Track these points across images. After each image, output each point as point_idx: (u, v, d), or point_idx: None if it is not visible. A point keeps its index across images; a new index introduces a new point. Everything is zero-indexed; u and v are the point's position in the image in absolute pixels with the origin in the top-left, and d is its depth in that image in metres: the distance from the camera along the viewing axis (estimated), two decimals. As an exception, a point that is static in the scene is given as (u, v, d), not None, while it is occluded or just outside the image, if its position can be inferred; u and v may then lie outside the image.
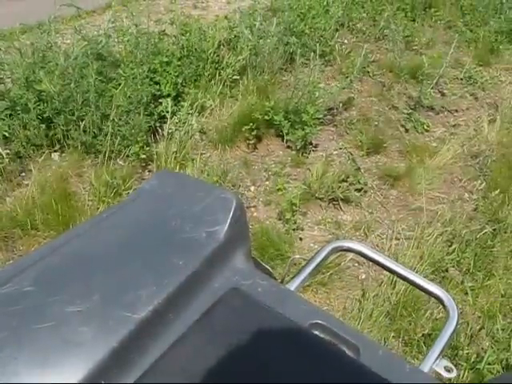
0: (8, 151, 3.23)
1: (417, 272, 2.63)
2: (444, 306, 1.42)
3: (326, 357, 1.07)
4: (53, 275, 1.18)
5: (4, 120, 3.17)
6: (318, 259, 1.45)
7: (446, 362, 1.29)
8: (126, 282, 1.16)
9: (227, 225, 1.26)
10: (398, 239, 2.99)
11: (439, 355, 1.30)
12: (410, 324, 2.52)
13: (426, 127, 3.87)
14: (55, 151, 3.33)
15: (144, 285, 1.15)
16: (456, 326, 1.37)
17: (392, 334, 2.49)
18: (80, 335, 1.07)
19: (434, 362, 1.28)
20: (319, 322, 1.19)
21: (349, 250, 1.53)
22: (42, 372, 1.02)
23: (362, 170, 3.44)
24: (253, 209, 3.18)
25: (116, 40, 3.92)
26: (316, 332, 1.17)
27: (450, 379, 1.50)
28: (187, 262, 1.20)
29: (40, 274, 1.18)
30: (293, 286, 1.37)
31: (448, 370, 1.28)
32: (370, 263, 2.82)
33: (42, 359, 1.03)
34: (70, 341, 1.06)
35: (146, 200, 1.34)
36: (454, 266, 2.83)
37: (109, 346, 1.06)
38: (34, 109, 3.14)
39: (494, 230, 3.03)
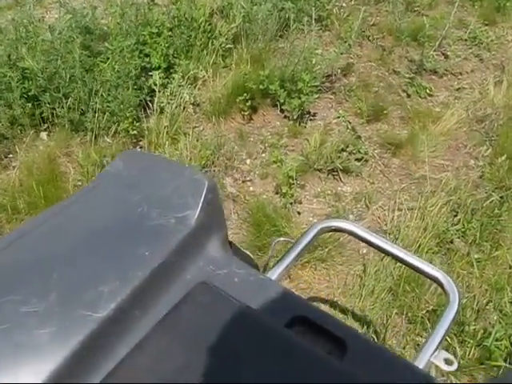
0: (-6, 132, 3.12)
1: (420, 246, 2.51)
2: (444, 290, 1.30)
3: (302, 362, 0.95)
4: (6, 272, 1.07)
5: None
6: (304, 242, 1.33)
7: (445, 354, 1.18)
8: (86, 278, 1.06)
9: (198, 209, 1.15)
10: (401, 210, 2.86)
11: (438, 346, 1.18)
12: (414, 300, 2.40)
13: (428, 92, 3.70)
14: (44, 130, 3.21)
15: (106, 280, 1.04)
16: (457, 311, 1.25)
17: (395, 311, 2.38)
18: (36, 338, 0.97)
19: (432, 354, 1.17)
20: (302, 314, 1.07)
21: (338, 229, 1.41)
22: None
23: (363, 139, 3.30)
24: (249, 183, 3.06)
25: (103, 12, 3.77)
26: (298, 327, 1.06)
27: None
28: (154, 252, 1.09)
29: (-7, 271, 1.07)
30: (275, 273, 1.25)
31: (448, 363, 1.16)
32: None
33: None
34: (24, 344, 0.96)
35: (109, 185, 1.23)
36: (459, 237, 2.70)
37: (68, 348, 0.96)
38: (17, 87, 3.02)
39: (501, 197, 2.89)
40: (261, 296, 1.08)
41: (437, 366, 1.17)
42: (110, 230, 1.13)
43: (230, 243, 1.27)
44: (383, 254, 2.52)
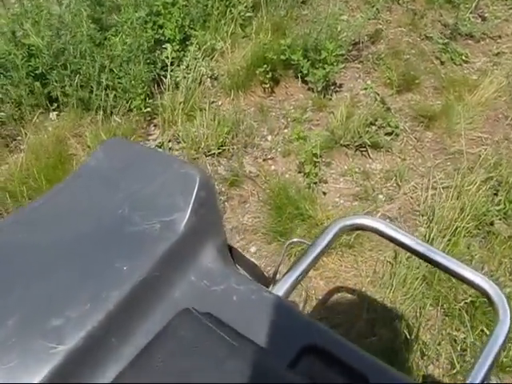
0: (2, 114, 2.96)
1: (456, 229, 2.29)
2: (491, 303, 1.07)
3: None
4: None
5: (-5, 81, 2.90)
6: (320, 246, 1.12)
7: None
8: (51, 299, 0.87)
9: (189, 211, 0.95)
10: (435, 189, 2.63)
11: (488, 372, 0.96)
12: (450, 290, 2.19)
13: (464, 58, 3.41)
14: (53, 110, 3.04)
15: (75, 302, 0.86)
16: (508, 331, 1.02)
17: (429, 303, 2.17)
18: (-12, 377, 0.79)
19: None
20: (313, 343, 0.88)
21: (362, 228, 1.20)
22: None
23: (393, 111, 3.05)
24: (270, 161, 2.85)
25: (115, -19, 3.55)
26: (308, 358, 0.87)
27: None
28: (134, 266, 0.90)
29: None
30: (283, 287, 1.04)
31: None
32: (403, 217, 2.51)
33: None
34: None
35: (87, 181, 1.04)
36: (500, 219, 2.46)
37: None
38: (23, 66, 2.84)
39: (548, 173, 2.64)
40: (263, 319, 0.89)
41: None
42: (83, 238, 0.94)
43: (231, 249, 1.07)
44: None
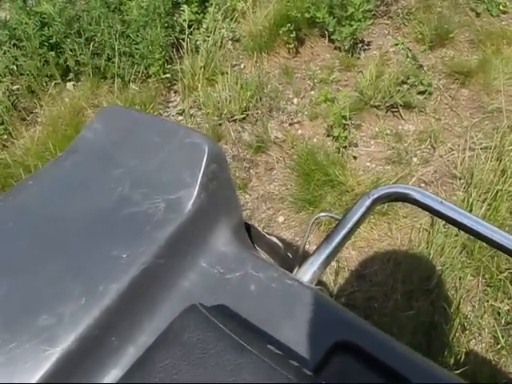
0: (18, 86, 2.86)
1: (497, 193, 2.13)
2: None
3: None
4: None
5: (9, 52, 2.80)
6: (352, 221, 0.98)
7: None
8: (41, 295, 0.77)
9: (197, 187, 0.83)
10: (473, 150, 2.46)
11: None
12: (492, 259, 2.04)
13: (502, 8, 3.19)
14: (69, 80, 2.93)
15: (69, 297, 0.75)
16: None
17: (470, 273, 2.04)
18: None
19: None
20: (346, 339, 0.75)
21: (398, 198, 1.06)
22: None
23: (425, 68, 2.87)
24: (297, 125, 2.71)
25: None
26: (341, 357, 0.74)
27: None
28: (135, 253, 0.79)
29: None
30: (310, 270, 0.92)
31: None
32: (439, 180, 2.36)
33: None
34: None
35: (81, 157, 0.92)
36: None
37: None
38: (35, 35, 2.73)
39: None
40: (287, 313, 0.77)
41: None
42: (78, 222, 0.82)
43: (248, 228, 0.94)
44: (454, 203, 2.17)
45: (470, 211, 2.11)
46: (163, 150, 0.87)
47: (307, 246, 1.00)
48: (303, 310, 0.78)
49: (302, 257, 0.95)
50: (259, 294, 0.80)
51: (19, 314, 0.74)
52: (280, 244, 0.97)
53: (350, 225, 0.98)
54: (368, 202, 1.01)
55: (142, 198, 0.83)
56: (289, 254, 0.99)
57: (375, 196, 1.02)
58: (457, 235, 2.10)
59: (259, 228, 0.96)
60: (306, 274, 0.90)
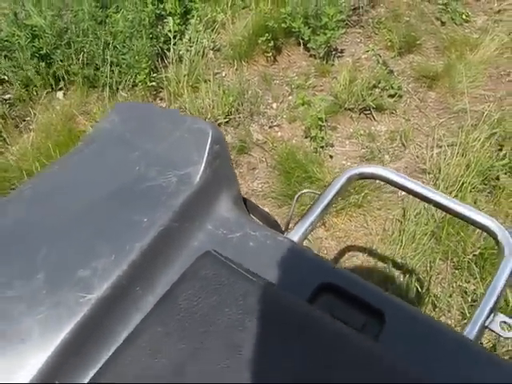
0: (10, 96, 3.00)
1: (463, 184, 2.33)
2: (496, 242, 1.11)
3: (329, 346, 0.80)
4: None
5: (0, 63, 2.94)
6: (330, 194, 1.16)
7: (502, 317, 1.01)
8: (77, 253, 0.92)
9: (203, 164, 1.00)
10: (440, 147, 2.66)
11: (493, 308, 1.01)
12: (459, 244, 2.23)
13: (465, 17, 3.42)
14: (59, 89, 3.08)
15: (100, 254, 0.91)
16: None
17: (439, 257, 2.22)
18: (22, 328, 0.84)
19: (486, 319, 1.00)
20: (330, 281, 0.92)
21: (369, 176, 1.24)
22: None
23: (395, 73, 3.07)
24: (276, 128, 2.88)
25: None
26: (326, 297, 0.91)
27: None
28: (154, 218, 0.95)
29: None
30: (297, 233, 1.09)
31: (507, 328, 1.00)
32: (410, 176, 2.53)
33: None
34: (8, 336, 0.84)
35: (100, 144, 1.08)
36: (505, 173, 2.49)
37: (60, 338, 0.83)
38: (27, 47, 2.88)
39: (551, 125, 2.67)
40: (280, 262, 0.94)
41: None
42: (103, 196, 0.98)
43: (245, 200, 1.12)
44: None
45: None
46: (173, 135, 1.04)
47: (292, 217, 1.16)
48: (293, 260, 0.95)
49: (289, 224, 1.12)
50: (257, 249, 0.96)
51: (60, 269, 0.90)
52: (270, 214, 1.15)
53: (329, 197, 1.16)
54: (343, 179, 1.19)
55: (157, 174, 1.00)
56: (278, 222, 1.16)
57: (350, 173, 1.20)
58: (426, 224, 2.29)
59: (253, 201, 1.13)
60: (294, 236, 1.08)
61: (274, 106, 3.01)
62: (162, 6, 3.24)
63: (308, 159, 2.64)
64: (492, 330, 0.99)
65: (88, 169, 1.04)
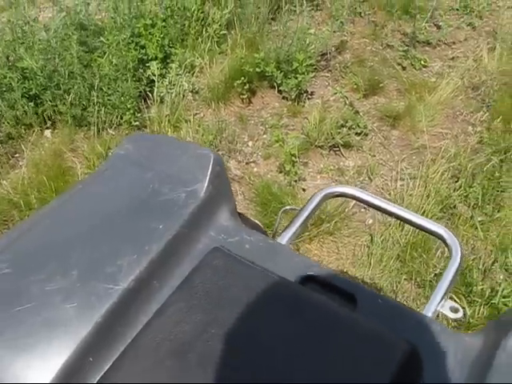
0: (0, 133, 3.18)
1: (424, 212, 2.57)
2: (446, 245, 1.35)
3: (321, 315, 1.01)
4: (29, 255, 1.13)
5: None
6: (310, 208, 1.39)
7: (451, 303, 1.23)
8: (105, 254, 1.11)
9: (206, 182, 1.20)
10: (403, 179, 2.91)
11: (444, 296, 1.24)
12: (422, 265, 2.46)
13: (423, 63, 3.73)
14: (47, 128, 3.26)
15: (124, 254, 1.10)
16: (460, 264, 1.30)
17: (404, 277, 2.44)
18: (62, 313, 1.03)
19: (438, 304, 1.22)
20: (312, 274, 1.13)
21: (342, 195, 1.47)
22: (24, 354, 0.98)
23: (361, 113, 3.34)
24: (252, 164, 3.11)
25: (96, 8, 3.81)
26: (309, 285, 1.12)
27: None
28: (167, 225, 1.15)
29: (16, 254, 1.13)
30: (284, 238, 1.31)
31: (454, 311, 1.22)
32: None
33: (23, 342, 0.99)
34: (52, 320, 1.02)
35: (119, 166, 1.29)
36: (461, 202, 2.75)
37: (93, 321, 1.01)
38: (18, 88, 3.07)
39: (501, 160, 2.94)
40: (272, 259, 1.14)
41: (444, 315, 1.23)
42: (125, 208, 1.18)
43: (240, 214, 1.33)
44: (388, 224, 2.59)
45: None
46: (181, 159, 1.25)
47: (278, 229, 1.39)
48: (282, 258, 1.16)
49: (275, 234, 1.34)
50: (252, 250, 1.17)
51: (91, 267, 1.09)
52: (260, 224, 1.36)
53: (307, 212, 1.39)
54: (319, 197, 1.42)
55: (169, 190, 1.21)
56: (266, 232, 1.37)
57: (324, 193, 1.43)
58: (392, 248, 2.52)
59: (245, 215, 1.35)
60: (282, 240, 1.29)
61: (250, 144, 3.24)
62: (143, 51, 3.48)
63: (283, 192, 2.86)
64: (443, 313, 1.21)
65: (110, 187, 1.24)
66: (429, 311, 1.20)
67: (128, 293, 1.06)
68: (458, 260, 1.29)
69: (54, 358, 0.97)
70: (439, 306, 1.22)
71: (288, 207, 1.50)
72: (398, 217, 1.42)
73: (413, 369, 0.96)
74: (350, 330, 0.97)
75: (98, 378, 0.98)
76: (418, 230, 2.54)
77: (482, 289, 2.37)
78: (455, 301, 2.27)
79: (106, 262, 1.09)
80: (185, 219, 1.16)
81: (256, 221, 1.36)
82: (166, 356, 0.94)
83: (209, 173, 1.22)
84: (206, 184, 1.21)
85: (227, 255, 1.08)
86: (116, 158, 1.32)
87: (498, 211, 2.71)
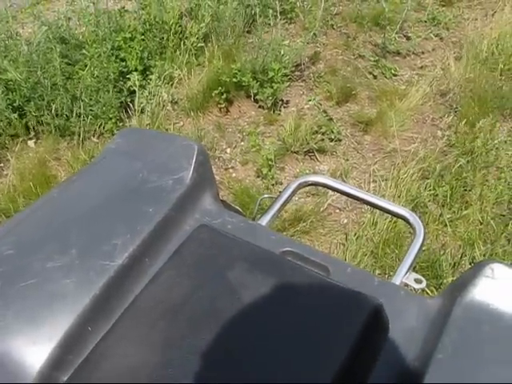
0: (-17, 144, 3.26)
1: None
2: (410, 224, 1.47)
3: (297, 277, 1.13)
4: (30, 238, 1.23)
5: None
6: (286, 195, 1.51)
7: (415, 275, 1.36)
8: (100, 234, 1.22)
9: (191, 170, 1.32)
10: (376, 182, 3.05)
11: (409, 269, 1.37)
12: (394, 260, 2.59)
13: (393, 72, 3.90)
14: (30, 139, 3.35)
15: (118, 234, 1.21)
16: (423, 241, 1.43)
17: (378, 272, 2.56)
18: (63, 288, 1.13)
19: (404, 276, 1.35)
20: (289, 249, 1.25)
21: (315, 183, 1.59)
22: (30, 324, 1.07)
23: (335, 120, 3.48)
24: (231, 170, 3.23)
25: (77, 22, 3.91)
26: (287, 257, 1.24)
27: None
28: (157, 208, 1.26)
29: (19, 237, 1.23)
30: (263, 221, 1.43)
31: (418, 282, 1.35)
32: (350, 207, 2.91)
33: (29, 313, 1.09)
34: (54, 294, 1.12)
35: (111, 158, 1.39)
36: (430, 201, 2.90)
37: (91, 294, 1.11)
38: (2, 99, 3.16)
39: (468, 161, 3.10)
40: (252, 237, 1.25)
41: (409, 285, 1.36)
42: (118, 194, 1.29)
43: (222, 201, 1.44)
44: (362, 222, 2.72)
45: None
46: (168, 149, 1.37)
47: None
48: (261, 236, 1.28)
49: (254, 219, 1.46)
50: (234, 230, 1.28)
51: (88, 246, 1.19)
52: (241, 210, 1.48)
53: (283, 199, 1.51)
54: (294, 185, 1.55)
55: (157, 178, 1.32)
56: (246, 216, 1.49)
57: (299, 182, 1.56)
58: (366, 246, 2.64)
59: (228, 202, 1.46)
60: (262, 222, 1.41)
61: (228, 150, 3.36)
62: (124, 64, 3.58)
63: (260, 195, 2.97)
64: (408, 284, 1.34)
65: (103, 176, 1.35)
66: (395, 281, 1.32)
67: (122, 269, 1.16)
68: (422, 237, 1.42)
69: (57, 327, 1.06)
70: (404, 278, 1.34)
71: (266, 195, 1.62)
72: (367, 202, 1.55)
73: (380, 324, 1.08)
74: (323, 290, 1.09)
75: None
76: (390, 228, 2.68)
77: (451, 281, 2.50)
78: (427, 293, 2.40)
79: (102, 242, 1.19)
80: (172, 203, 1.27)
81: (237, 207, 1.47)
82: (159, 317, 1.05)
83: (193, 161, 1.33)
84: (191, 172, 1.32)
85: (212, 230, 1.19)
86: (108, 151, 1.43)
87: (466, 209, 2.85)
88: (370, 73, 3.88)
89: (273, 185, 3.07)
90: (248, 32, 4.12)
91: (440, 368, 0.99)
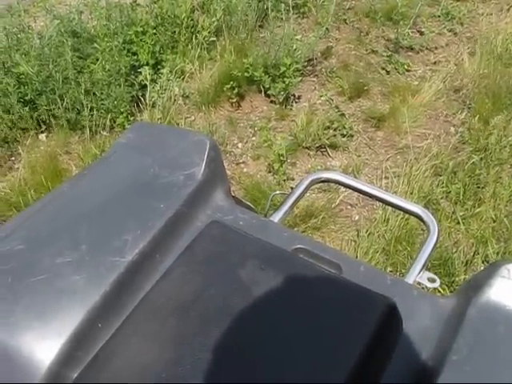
0: (-5, 137, 3.26)
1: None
2: (424, 222, 1.46)
3: (310, 275, 1.11)
4: (40, 232, 1.22)
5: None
6: (299, 191, 1.49)
7: (429, 274, 1.34)
8: (111, 230, 1.21)
9: (203, 165, 1.30)
10: (388, 178, 3.03)
11: (422, 268, 1.35)
12: (406, 257, 2.57)
13: (406, 67, 3.87)
14: (42, 132, 3.35)
15: (129, 230, 1.19)
16: (437, 239, 1.41)
17: (389, 269, 2.54)
18: (73, 284, 1.11)
19: (417, 275, 1.33)
20: (301, 246, 1.23)
21: (327, 180, 1.57)
22: (39, 320, 1.06)
23: (347, 116, 3.45)
24: (242, 165, 3.21)
25: (89, 16, 3.91)
26: (299, 255, 1.22)
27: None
28: (168, 204, 1.24)
29: (29, 232, 1.22)
30: (275, 218, 1.41)
31: (431, 281, 1.33)
32: (362, 203, 2.89)
33: (38, 309, 1.08)
34: (63, 290, 1.11)
35: (122, 153, 1.38)
36: (443, 198, 2.87)
37: (101, 290, 1.10)
38: (14, 92, 3.16)
39: (481, 158, 3.07)
40: (264, 234, 1.24)
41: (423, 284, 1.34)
42: (128, 189, 1.28)
43: (234, 197, 1.43)
44: (374, 219, 2.70)
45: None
46: (180, 145, 1.36)
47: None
48: (274, 232, 1.26)
49: (266, 215, 1.45)
50: (246, 227, 1.27)
51: (99, 241, 1.18)
52: (253, 207, 1.46)
53: (296, 195, 1.49)
54: (306, 182, 1.53)
55: (169, 173, 1.30)
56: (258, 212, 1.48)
57: (311, 178, 1.54)
58: (378, 242, 2.62)
59: (239, 197, 1.45)
60: (274, 218, 1.39)
61: (240, 145, 3.34)
62: (135, 58, 3.58)
63: (272, 190, 2.96)
64: (421, 283, 1.32)
65: (114, 171, 1.34)
66: (408, 280, 1.31)
67: (133, 265, 1.15)
68: (436, 235, 1.40)
69: (66, 324, 1.05)
70: (418, 277, 1.32)
71: (278, 192, 1.61)
72: (380, 199, 1.52)
73: (393, 323, 1.06)
74: (336, 288, 1.08)
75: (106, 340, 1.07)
76: (402, 225, 2.66)
77: (464, 279, 2.48)
78: (439, 291, 2.38)
79: (112, 237, 1.18)
80: (184, 199, 1.26)
81: (248, 202, 1.46)
82: (170, 314, 1.04)
83: (205, 157, 1.31)
84: (202, 167, 1.30)
85: (224, 226, 1.18)
86: (119, 146, 1.41)
87: (479, 206, 2.83)
88: (383, 68, 3.85)
89: (284, 180, 3.05)
90: (260, 26, 4.09)
91: (455, 369, 0.97)
